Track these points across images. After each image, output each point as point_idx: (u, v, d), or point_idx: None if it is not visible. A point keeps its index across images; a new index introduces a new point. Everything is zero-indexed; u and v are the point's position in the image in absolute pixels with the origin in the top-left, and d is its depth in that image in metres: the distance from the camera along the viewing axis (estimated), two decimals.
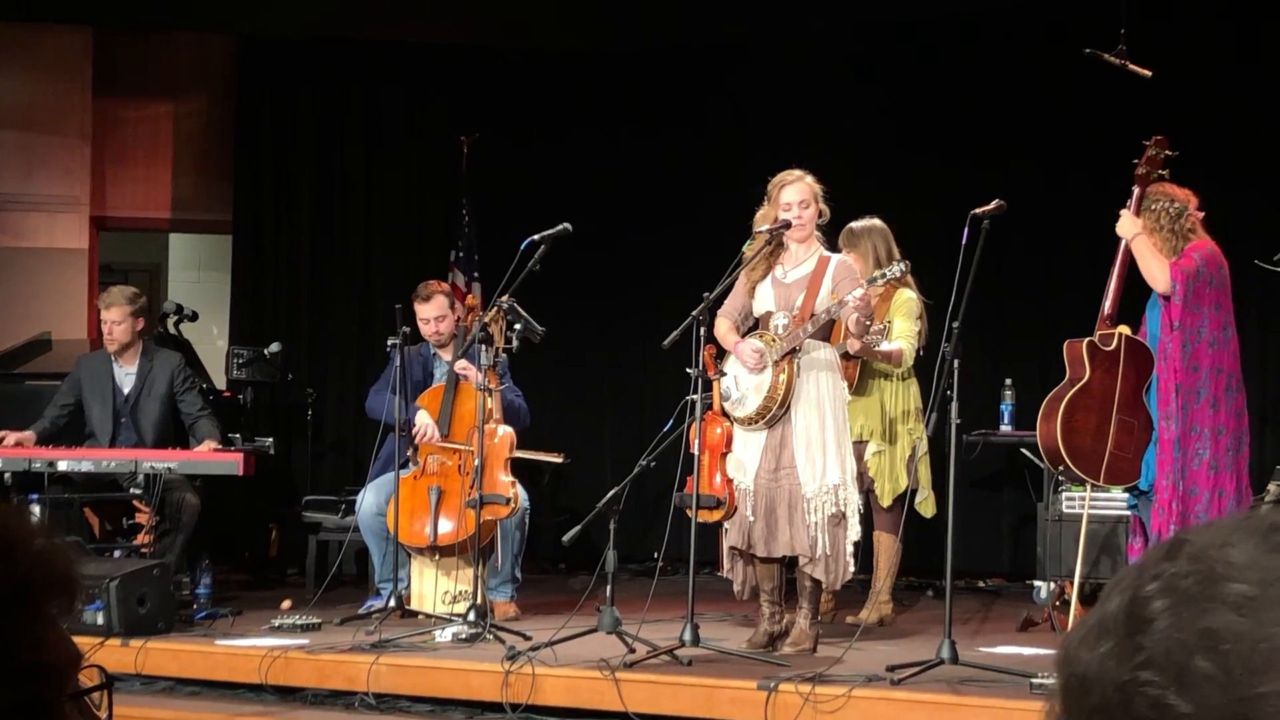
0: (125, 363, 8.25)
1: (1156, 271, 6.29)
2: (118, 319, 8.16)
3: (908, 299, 7.37)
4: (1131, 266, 6.43)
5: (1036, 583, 8.27)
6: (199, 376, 9.00)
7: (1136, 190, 6.46)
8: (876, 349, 7.10)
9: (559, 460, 8.30)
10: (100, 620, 6.67)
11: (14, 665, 1.13)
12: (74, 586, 1.20)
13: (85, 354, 8.62)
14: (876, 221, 7.51)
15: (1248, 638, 0.91)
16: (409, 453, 7.74)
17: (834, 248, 6.99)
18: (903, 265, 6.51)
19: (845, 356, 6.91)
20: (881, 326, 6.80)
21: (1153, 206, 6.39)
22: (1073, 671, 0.97)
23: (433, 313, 7.94)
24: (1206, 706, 0.91)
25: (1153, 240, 6.36)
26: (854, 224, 7.47)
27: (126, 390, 8.23)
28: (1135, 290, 6.56)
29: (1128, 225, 6.40)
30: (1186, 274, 6.24)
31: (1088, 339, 6.39)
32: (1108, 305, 6.43)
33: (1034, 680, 5.54)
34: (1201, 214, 6.45)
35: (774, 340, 6.47)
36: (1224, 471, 6.26)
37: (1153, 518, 6.28)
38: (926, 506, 7.56)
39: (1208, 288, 6.28)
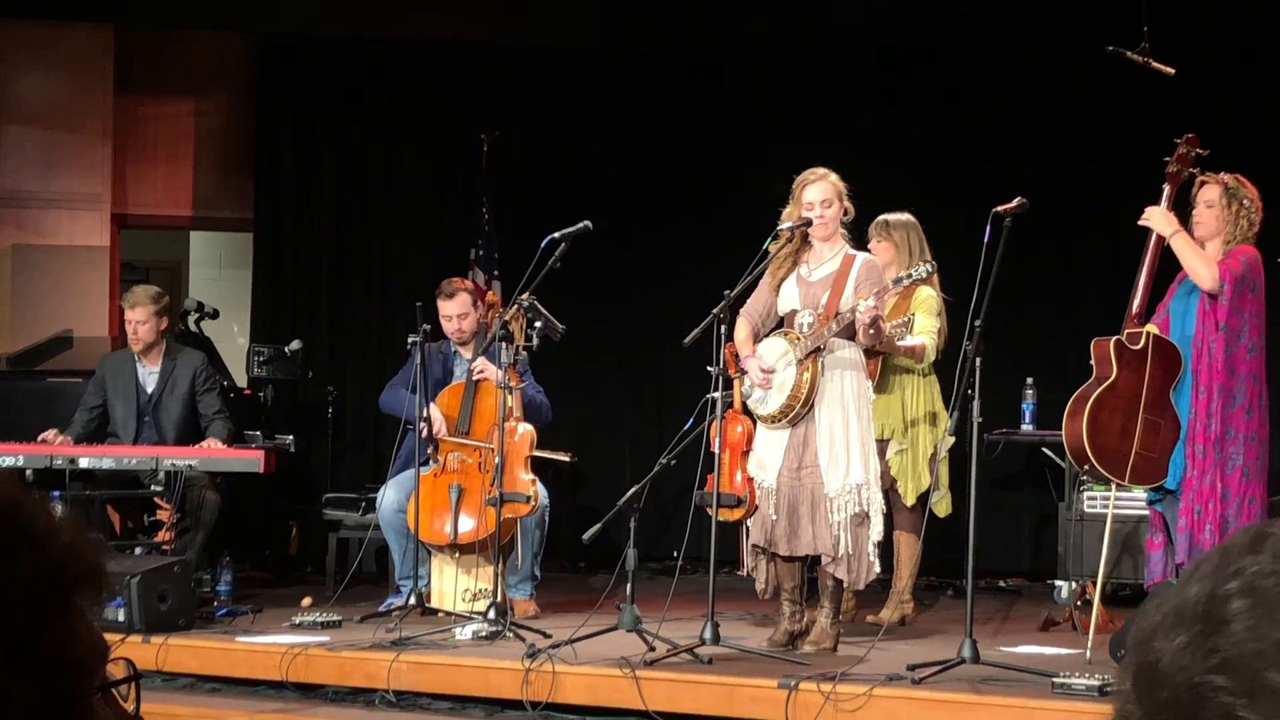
0: (149, 362, 8.28)
1: (1203, 270, 6.24)
2: (143, 319, 8.18)
3: (928, 296, 7.36)
4: (1160, 263, 6.39)
5: (1058, 582, 8.25)
6: (220, 375, 9.01)
7: (1167, 188, 6.43)
8: (899, 343, 7.09)
9: (566, 459, 8.30)
10: (121, 617, 6.68)
11: (44, 658, 1.13)
12: (102, 579, 1.20)
13: (108, 354, 8.64)
14: (909, 215, 7.52)
15: None
16: (429, 450, 7.74)
17: (860, 244, 6.97)
18: (929, 266, 6.50)
19: (867, 353, 6.90)
20: (905, 319, 6.79)
21: (1244, 201, 6.33)
22: (1145, 659, 0.95)
23: (455, 310, 7.94)
24: None
25: (1225, 231, 6.32)
26: (888, 216, 7.48)
27: (150, 389, 8.25)
28: (1156, 286, 6.52)
29: (1163, 222, 6.35)
30: (1234, 276, 6.20)
31: (1115, 337, 6.36)
32: (1136, 303, 6.40)
33: (1055, 679, 5.53)
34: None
35: (798, 339, 6.46)
36: (1254, 479, 6.23)
37: (1183, 515, 6.24)
38: (941, 506, 7.53)
39: (1250, 293, 6.25)
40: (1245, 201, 6.32)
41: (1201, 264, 6.25)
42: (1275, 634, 0.91)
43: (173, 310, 9.31)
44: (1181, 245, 6.30)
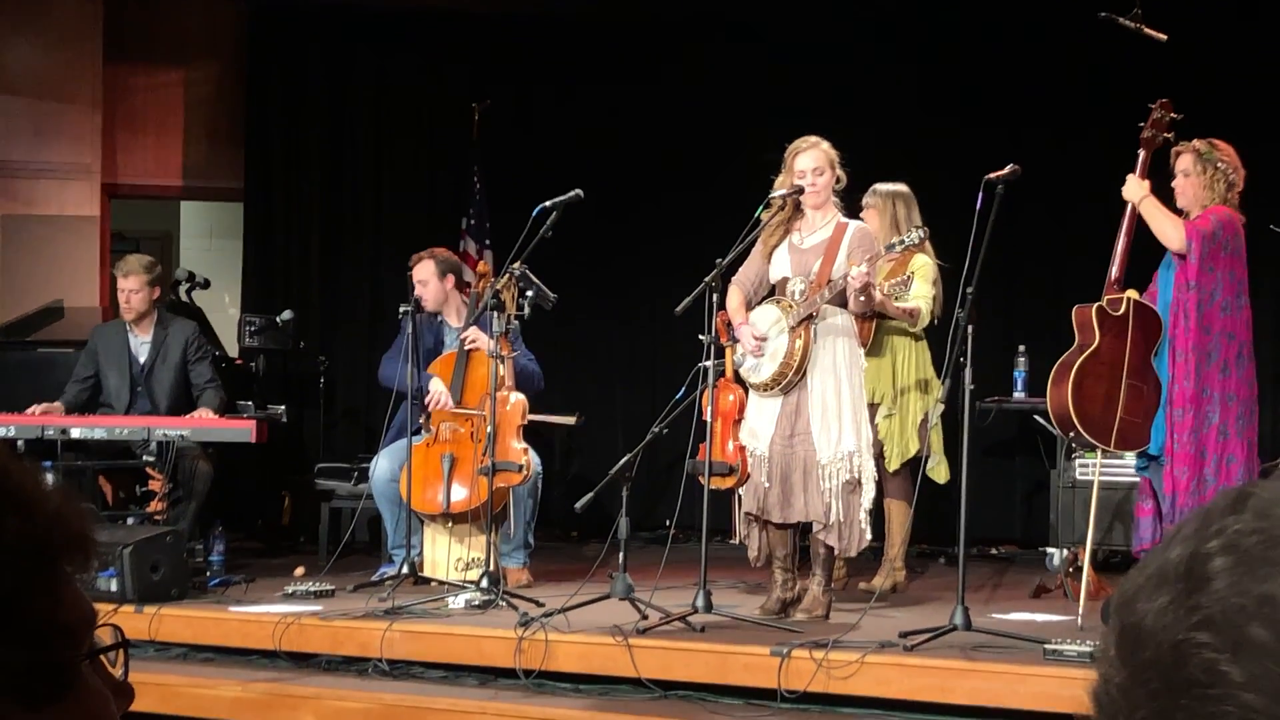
0: (141, 331, 8.27)
1: (1170, 230, 6.26)
2: (135, 287, 8.17)
3: (924, 263, 7.36)
4: (1138, 231, 6.40)
5: (1049, 549, 8.28)
6: (212, 345, 9.01)
7: (1142, 154, 6.44)
8: (896, 304, 7.08)
9: (573, 421, 8.29)
10: (114, 587, 6.69)
11: (31, 624, 1.12)
12: (90, 546, 1.19)
13: (100, 324, 8.63)
14: (902, 186, 7.50)
15: None
16: (421, 420, 7.75)
17: (854, 212, 6.96)
18: (920, 232, 6.49)
19: (861, 316, 6.89)
20: (904, 278, 6.79)
21: (1219, 164, 6.33)
22: (1128, 621, 0.95)
23: (415, 277, 7.97)
24: (1260, 676, 0.88)
25: (1204, 196, 6.32)
26: (880, 185, 7.46)
27: (142, 359, 8.25)
28: (1143, 254, 6.53)
29: (1134, 189, 6.38)
30: (1202, 234, 6.22)
31: (1096, 304, 6.38)
32: (1115, 270, 6.42)
33: (1047, 646, 5.54)
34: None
35: (790, 306, 6.46)
36: (1233, 438, 6.24)
37: (1166, 479, 6.27)
38: (939, 472, 7.54)
39: (1222, 252, 6.25)
40: (1219, 164, 6.32)
41: (1169, 224, 6.27)
42: (1257, 589, 0.90)
43: (164, 280, 9.29)
44: (1150, 208, 6.32)
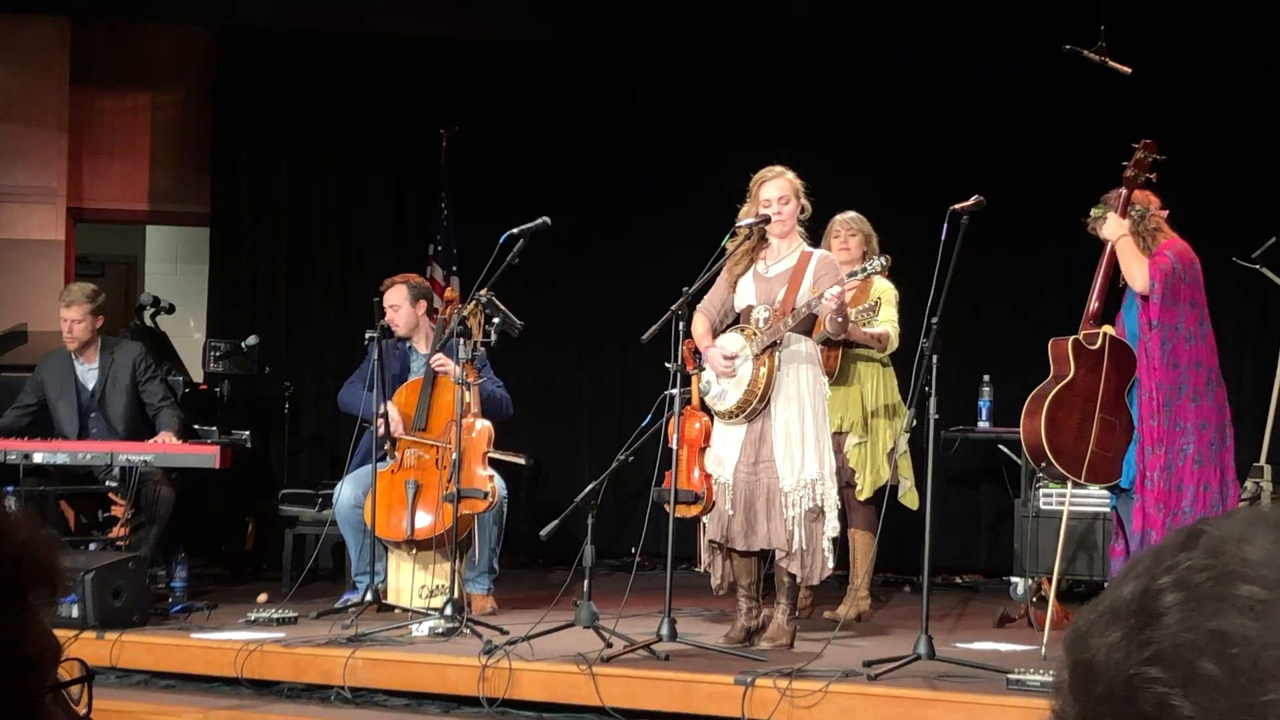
0: (86, 359, 8.22)
1: (1136, 271, 6.31)
2: (78, 317, 8.12)
3: (886, 288, 7.40)
4: (1116, 266, 6.44)
5: (1013, 579, 8.28)
6: (173, 367, 8.98)
7: (1124, 192, 6.48)
8: (865, 329, 7.10)
9: (523, 462, 8.28)
10: (75, 613, 6.64)
11: None
12: (56, 577, 1.19)
13: (46, 355, 8.53)
14: (859, 216, 7.54)
15: (1256, 642, 0.90)
16: (386, 446, 7.72)
17: (817, 242, 6.99)
18: (883, 260, 6.51)
19: (827, 343, 6.91)
20: (871, 304, 6.81)
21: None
22: (1080, 657, 0.96)
23: (387, 301, 7.97)
24: (1210, 710, 0.89)
25: (1138, 243, 6.37)
26: (838, 216, 7.49)
27: (90, 386, 8.19)
28: (1115, 291, 6.57)
29: (1113, 227, 6.42)
30: (1164, 272, 6.27)
31: (1073, 337, 6.41)
32: (1093, 304, 6.45)
33: (1010, 676, 5.56)
34: (1165, 212, 6.47)
35: (755, 334, 6.47)
36: (1208, 465, 6.28)
37: (1136, 515, 6.29)
38: (910, 498, 7.56)
39: (1182, 284, 6.31)
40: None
41: (1136, 266, 6.33)
42: (1207, 624, 0.92)
43: (128, 305, 9.25)
44: (1123, 248, 6.37)
